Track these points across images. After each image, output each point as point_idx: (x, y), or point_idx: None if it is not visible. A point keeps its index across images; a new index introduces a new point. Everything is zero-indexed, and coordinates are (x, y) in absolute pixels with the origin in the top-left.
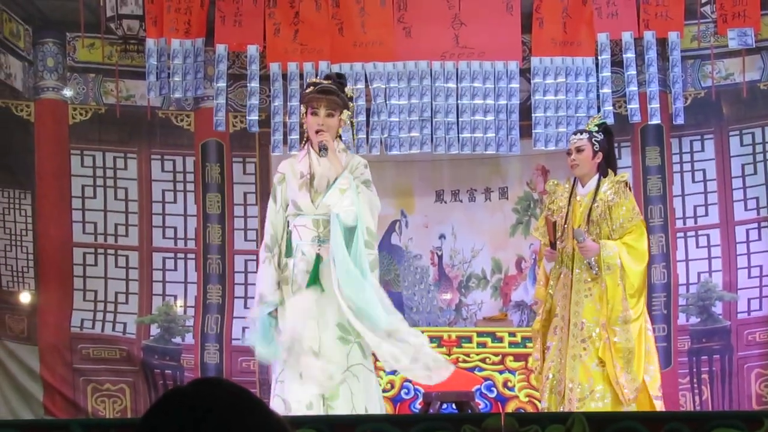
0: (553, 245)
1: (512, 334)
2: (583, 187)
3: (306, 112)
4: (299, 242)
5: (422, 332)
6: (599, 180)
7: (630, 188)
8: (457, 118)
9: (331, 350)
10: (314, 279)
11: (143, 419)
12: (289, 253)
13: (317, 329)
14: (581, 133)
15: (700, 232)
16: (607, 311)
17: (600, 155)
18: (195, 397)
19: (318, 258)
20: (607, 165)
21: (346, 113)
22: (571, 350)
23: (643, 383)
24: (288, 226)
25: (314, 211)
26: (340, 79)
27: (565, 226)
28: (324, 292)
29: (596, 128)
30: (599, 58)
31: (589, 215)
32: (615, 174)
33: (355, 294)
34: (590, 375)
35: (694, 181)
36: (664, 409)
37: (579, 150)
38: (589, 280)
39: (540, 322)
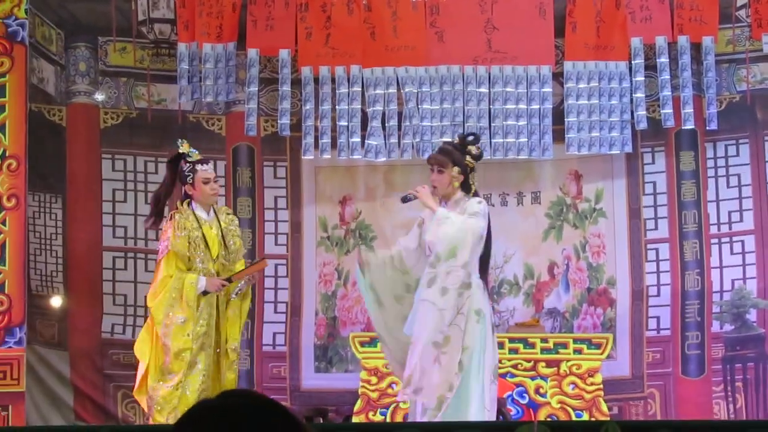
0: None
1: (544, 341)
2: None
3: None
4: None
5: None
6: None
7: None
8: (489, 122)
9: None
10: None
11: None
12: None
13: None
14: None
15: (734, 238)
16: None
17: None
18: (223, 409)
19: None
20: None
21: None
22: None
23: None
24: None
25: None
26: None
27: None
28: None
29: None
30: (633, 62)
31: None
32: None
33: None
34: None
35: (728, 186)
36: None
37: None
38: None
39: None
